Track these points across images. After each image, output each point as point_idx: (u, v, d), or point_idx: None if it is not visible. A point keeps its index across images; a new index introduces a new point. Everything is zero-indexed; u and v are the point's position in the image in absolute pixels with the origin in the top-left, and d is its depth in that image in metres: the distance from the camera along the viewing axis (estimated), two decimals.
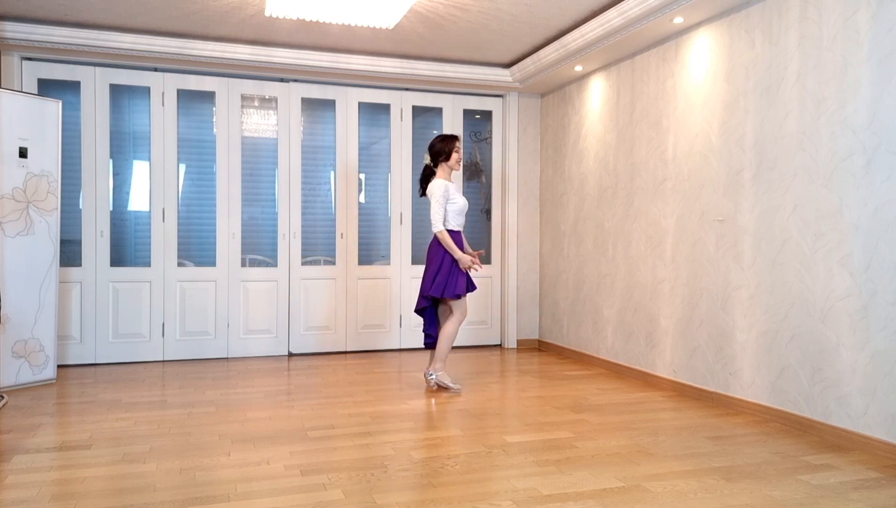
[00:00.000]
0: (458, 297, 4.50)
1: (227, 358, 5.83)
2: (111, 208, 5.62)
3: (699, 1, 4.05)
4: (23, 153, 4.67)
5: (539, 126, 6.54)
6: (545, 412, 4.01)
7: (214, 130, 5.84)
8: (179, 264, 5.77)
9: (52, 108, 4.85)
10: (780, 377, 3.79)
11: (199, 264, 5.87)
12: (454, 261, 4.48)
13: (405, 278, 6.29)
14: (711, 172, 4.31)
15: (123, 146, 5.82)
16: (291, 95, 5.98)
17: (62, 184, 5.10)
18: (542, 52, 5.54)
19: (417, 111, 6.41)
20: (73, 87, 5.51)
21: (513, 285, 6.47)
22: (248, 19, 4.89)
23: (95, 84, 5.50)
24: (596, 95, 5.60)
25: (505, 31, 5.15)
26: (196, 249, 5.91)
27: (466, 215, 4.78)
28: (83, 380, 4.93)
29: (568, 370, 5.36)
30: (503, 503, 2.60)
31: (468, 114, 6.54)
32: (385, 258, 6.35)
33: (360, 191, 6.27)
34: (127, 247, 5.85)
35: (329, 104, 6.16)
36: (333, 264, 6.15)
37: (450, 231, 4.50)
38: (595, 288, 5.59)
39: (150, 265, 5.68)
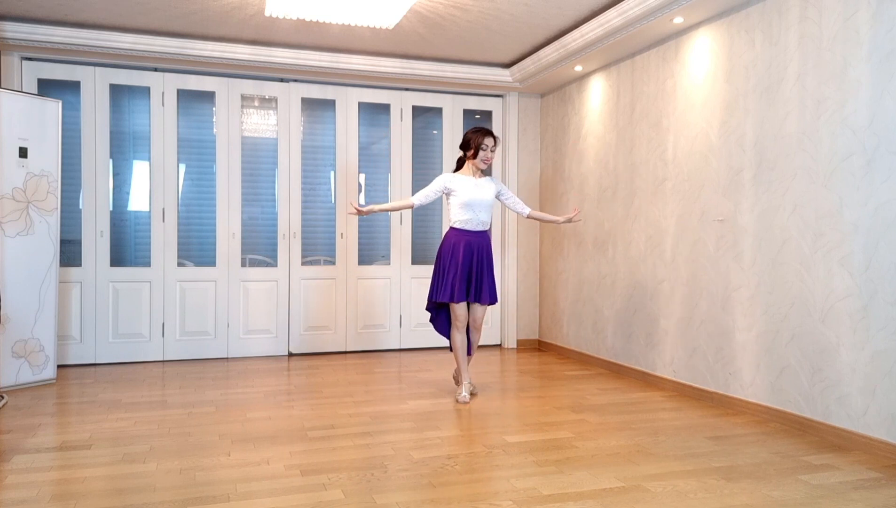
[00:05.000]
0: (436, 306, 4.33)
1: (226, 358, 5.83)
2: (111, 208, 5.62)
3: (699, 1, 4.05)
4: (23, 153, 4.67)
5: (539, 126, 6.54)
6: (545, 412, 4.01)
7: (214, 130, 5.84)
8: (179, 264, 5.77)
9: (52, 108, 4.85)
10: (779, 377, 3.79)
11: (199, 264, 5.87)
12: (439, 266, 4.25)
13: (405, 278, 6.29)
14: (711, 172, 4.31)
15: (123, 146, 5.82)
16: (291, 95, 5.98)
17: (62, 184, 5.10)
18: (542, 52, 5.54)
19: (417, 111, 6.40)
20: (73, 87, 5.51)
21: (513, 285, 6.47)
22: (248, 19, 4.89)
23: (95, 84, 5.49)
24: (596, 95, 5.60)
25: (505, 31, 5.15)
26: (196, 249, 5.91)
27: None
28: (83, 380, 4.93)
29: (568, 370, 5.36)
30: (503, 503, 2.60)
31: (468, 114, 6.54)
32: (385, 258, 6.34)
33: (360, 192, 6.27)
34: (127, 247, 5.85)
35: (329, 104, 6.16)
36: (333, 264, 6.15)
37: (453, 229, 4.25)
38: (595, 288, 5.59)
39: (150, 265, 5.68)
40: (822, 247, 3.51)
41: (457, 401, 4.27)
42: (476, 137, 4.22)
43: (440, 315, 4.43)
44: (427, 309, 4.47)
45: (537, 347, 6.53)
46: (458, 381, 4.45)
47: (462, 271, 4.18)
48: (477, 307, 4.27)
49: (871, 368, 3.26)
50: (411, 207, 4.30)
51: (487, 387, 4.73)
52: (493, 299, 4.29)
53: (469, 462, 3.08)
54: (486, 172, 4.54)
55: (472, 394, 4.42)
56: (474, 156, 4.23)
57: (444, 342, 6.30)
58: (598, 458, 3.15)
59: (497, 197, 4.37)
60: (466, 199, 4.18)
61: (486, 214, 4.25)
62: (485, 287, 4.23)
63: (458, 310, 4.23)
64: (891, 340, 3.17)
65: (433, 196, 4.28)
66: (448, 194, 4.25)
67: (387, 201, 6.29)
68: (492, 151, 4.23)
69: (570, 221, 4.44)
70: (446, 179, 4.25)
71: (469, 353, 4.39)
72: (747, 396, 4.01)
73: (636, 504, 2.60)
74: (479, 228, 4.25)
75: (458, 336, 4.29)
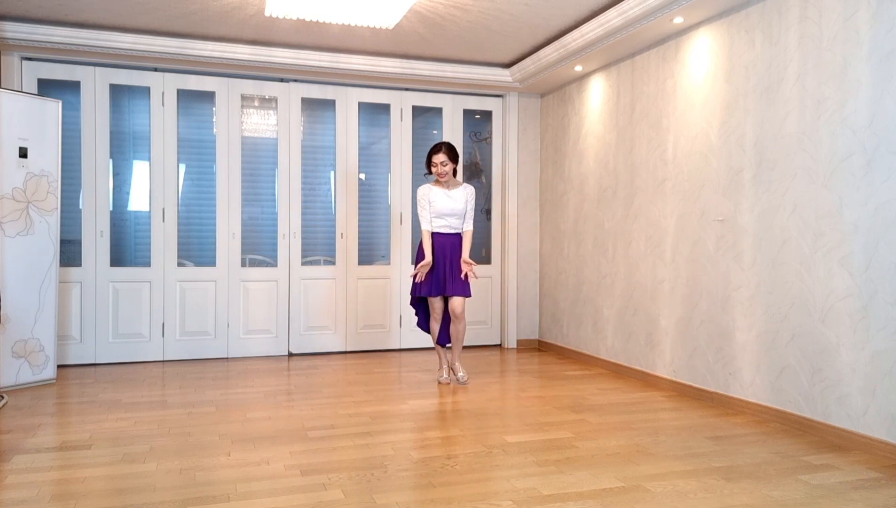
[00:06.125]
0: (418, 298, 4.89)
1: (226, 358, 5.83)
2: (111, 208, 5.62)
3: (699, 1, 4.05)
4: (23, 153, 4.67)
5: (539, 126, 6.54)
6: (545, 412, 4.01)
7: (214, 130, 5.84)
8: (179, 264, 5.77)
9: (52, 108, 4.85)
10: (779, 377, 3.79)
11: (199, 264, 5.87)
12: (417, 265, 4.77)
13: (405, 278, 6.28)
14: (711, 172, 4.31)
15: (123, 146, 5.82)
16: (291, 95, 5.98)
17: (62, 184, 5.10)
18: (542, 52, 5.54)
19: (417, 111, 6.41)
20: (73, 87, 5.51)
21: (513, 285, 6.47)
22: (248, 19, 4.89)
23: (95, 84, 5.50)
24: (596, 95, 5.60)
25: (505, 31, 5.15)
26: (196, 249, 5.91)
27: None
28: (83, 380, 4.93)
29: (568, 370, 5.36)
30: (503, 503, 2.60)
31: (468, 114, 6.54)
32: (385, 258, 6.35)
33: (359, 186, 6.27)
34: (127, 247, 5.85)
35: (329, 104, 6.16)
36: (333, 264, 6.15)
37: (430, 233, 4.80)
38: (595, 288, 5.59)
39: (150, 265, 5.68)
40: (822, 247, 3.51)
41: (438, 382, 4.87)
42: (428, 156, 4.81)
43: (420, 312, 4.99)
44: (411, 304, 5.03)
45: (537, 347, 6.53)
46: (447, 368, 4.97)
47: (437, 269, 4.73)
48: (454, 300, 4.74)
49: (871, 368, 3.26)
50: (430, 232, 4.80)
51: (487, 387, 4.73)
52: (465, 293, 4.78)
53: (469, 462, 3.08)
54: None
55: (462, 382, 4.84)
56: (430, 173, 4.84)
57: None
58: (598, 458, 3.15)
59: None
60: (439, 209, 4.76)
61: (456, 220, 4.81)
62: (458, 282, 4.74)
63: (435, 303, 4.79)
64: (891, 340, 3.17)
65: (429, 212, 4.80)
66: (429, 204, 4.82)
67: (387, 202, 6.31)
68: (443, 165, 4.72)
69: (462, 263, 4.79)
70: (424, 191, 4.82)
71: (446, 343, 4.91)
72: (747, 396, 4.01)
73: (636, 504, 2.60)
74: (452, 231, 4.81)
75: (435, 325, 4.85)
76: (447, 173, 4.75)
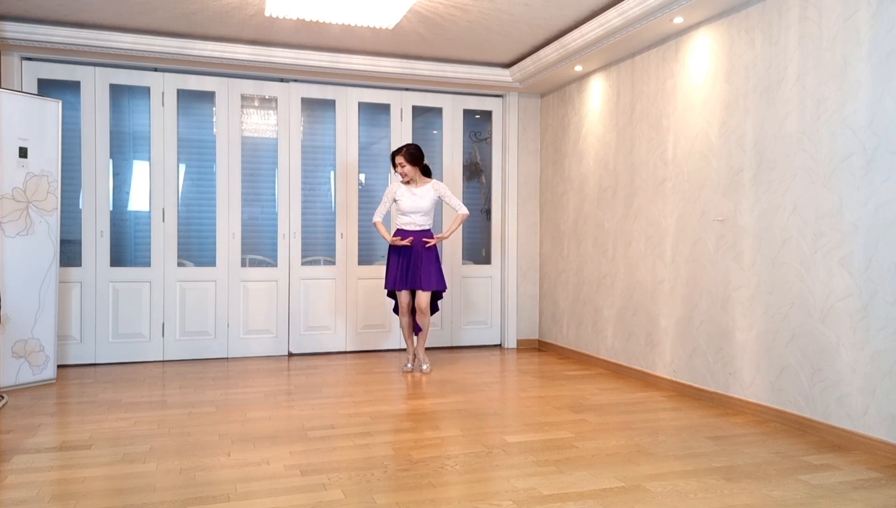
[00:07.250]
0: (391, 292, 5.18)
1: (226, 358, 5.83)
2: (111, 208, 5.62)
3: (699, 1, 4.05)
4: (23, 153, 4.67)
5: (539, 126, 6.54)
6: (545, 412, 4.01)
7: (214, 130, 5.84)
8: (179, 264, 5.77)
9: (52, 108, 4.85)
10: (779, 377, 3.79)
11: (199, 264, 5.87)
12: (388, 257, 5.11)
13: None
14: (711, 172, 4.31)
15: (123, 146, 5.82)
16: (291, 95, 5.98)
17: (62, 184, 5.10)
18: (542, 52, 5.54)
19: (417, 111, 6.41)
20: (73, 87, 5.51)
21: (513, 285, 6.47)
22: (248, 19, 4.90)
23: (95, 84, 5.50)
24: (596, 95, 5.60)
25: (505, 31, 5.15)
26: (196, 249, 5.91)
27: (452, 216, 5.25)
28: (83, 380, 4.93)
29: (568, 370, 5.36)
30: (503, 503, 2.60)
31: (468, 114, 6.54)
32: (384, 258, 6.34)
33: (359, 186, 6.27)
34: (127, 247, 5.85)
35: (329, 104, 6.16)
36: (333, 264, 6.15)
37: (398, 229, 5.11)
38: (595, 288, 5.59)
39: (150, 265, 5.68)
40: (822, 247, 3.51)
41: (403, 372, 5.21)
42: (391, 156, 5.10)
43: (396, 301, 5.23)
44: (388, 295, 5.32)
45: (537, 347, 6.53)
46: (413, 357, 5.32)
47: (402, 264, 5.02)
48: (419, 294, 5.04)
49: (871, 368, 3.26)
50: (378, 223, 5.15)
51: (488, 387, 4.73)
52: (437, 286, 5.04)
53: (469, 462, 3.08)
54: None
55: (424, 371, 5.17)
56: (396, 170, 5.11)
57: (443, 342, 6.38)
58: (598, 458, 3.15)
59: (441, 199, 5.16)
60: (404, 207, 5.06)
61: (421, 217, 5.07)
62: (423, 276, 4.99)
63: (401, 297, 5.10)
64: (891, 340, 3.17)
65: (388, 206, 5.14)
66: (395, 201, 5.12)
67: None
68: (402, 166, 5.01)
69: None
70: (392, 189, 5.13)
71: (417, 332, 5.20)
72: (747, 396, 4.01)
73: (636, 504, 2.60)
74: (417, 228, 5.07)
75: (403, 318, 5.18)
76: (408, 175, 5.03)
